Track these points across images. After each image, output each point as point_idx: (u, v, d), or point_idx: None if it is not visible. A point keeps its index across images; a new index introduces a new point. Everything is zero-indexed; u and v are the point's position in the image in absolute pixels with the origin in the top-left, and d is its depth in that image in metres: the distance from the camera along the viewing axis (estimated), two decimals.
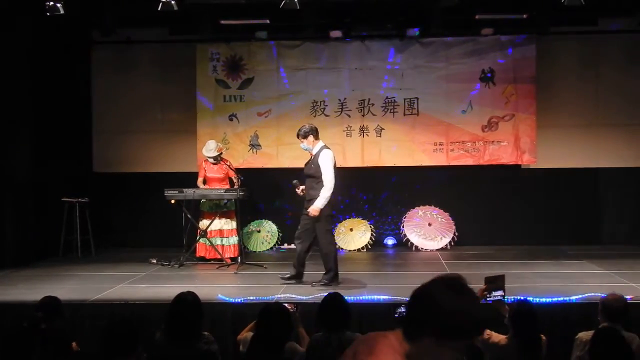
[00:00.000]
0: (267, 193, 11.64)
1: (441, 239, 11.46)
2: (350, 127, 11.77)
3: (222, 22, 11.18)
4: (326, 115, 11.78)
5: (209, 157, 10.30)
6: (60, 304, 5.57)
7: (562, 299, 7.15)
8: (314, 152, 8.34)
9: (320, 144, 8.39)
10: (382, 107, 11.75)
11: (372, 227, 11.61)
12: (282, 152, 11.65)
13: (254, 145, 11.87)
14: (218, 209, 10.27)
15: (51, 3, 9.58)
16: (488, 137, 11.64)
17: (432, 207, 11.62)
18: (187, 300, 4.74)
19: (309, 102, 11.80)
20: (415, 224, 11.56)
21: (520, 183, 11.73)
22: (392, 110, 11.75)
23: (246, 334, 5.12)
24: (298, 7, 9.67)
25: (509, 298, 6.10)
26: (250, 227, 11.57)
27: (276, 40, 11.80)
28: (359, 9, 11.13)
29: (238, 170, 10.19)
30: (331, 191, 8.17)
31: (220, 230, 10.25)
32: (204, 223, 10.25)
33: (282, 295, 7.56)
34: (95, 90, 12.15)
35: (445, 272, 8.59)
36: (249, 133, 11.86)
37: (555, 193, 11.69)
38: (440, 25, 10.94)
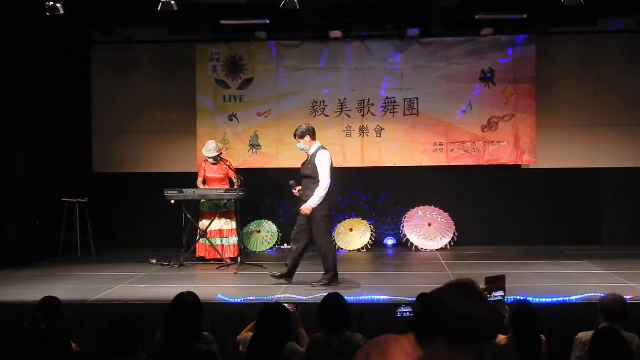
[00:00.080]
0: (266, 193, 11.65)
1: (441, 239, 11.46)
2: (350, 127, 11.78)
3: (222, 22, 11.17)
4: (326, 115, 11.78)
5: (209, 157, 10.30)
6: (59, 304, 5.57)
7: (561, 299, 7.15)
8: (310, 153, 8.33)
9: (316, 144, 8.38)
10: (382, 107, 11.75)
11: (372, 227, 11.62)
12: (281, 152, 11.65)
13: (254, 145, 11.87)
14: (218, 209, 10.26)
15: (51, 3, 9.58)
16: (488, 137, 11.64)
17: (432, 207, 11.62)
18: (187, 300, 4.74)
19: (308, 102, 11.80)
20: (414, 224, 11.56)
21: (519, 183, 11.74)
22: (391, 110, 11.75)
23: (246, 334, 5.12)
24: (298, 7, 9.66)
25: (509, 298, 6.11)
26: (250, 227, 11.57)
27: (276, 40, 11.80)
28: (358, 8, 11.14)
29: (238, 170, 10.19)
30: (326, 191, 8.16)
31: (220, 230, 10.25)
32: (203, 223, 10.25)
33: (281, 295, 7.56)
34: (95, 90, 12.15)
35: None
36: (248, 133, 11.86)
37: (554, 193, 11.70)
38: (440, 25, 10.95)
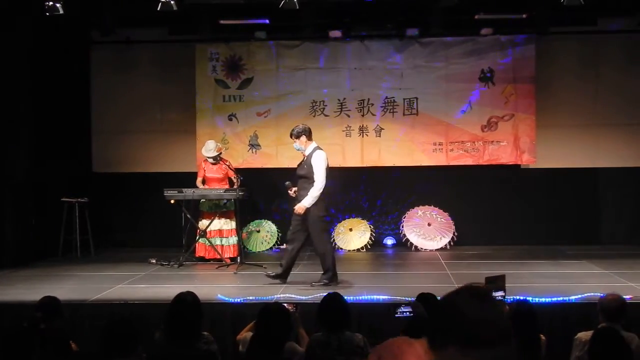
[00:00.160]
0: (266, 193, 11.63)
1: (441, 239, 11.46)
2: (350, 127, 11.77)
3: (222, 22, 11.18)
4: (325, 115, 11.78)
5: (209, 157, 10.30)
6: (59, 304, 5.57)
7: (561, 298, 7.15)
8: (306, 153, 8.33)
9: (313, 144, 8.37)
10: (382, 107, 11.75)
11: (372, 227, 11.61)
12: (281, 152, 11.64)
13: (254, 145, 11.87)
14: (217, 209, 10.26)
15: (50, 3, 9.57)
16: (487, 137, 11.64)
17: (432, 207, 11.62)
18: (187, 300, 4.74)
19: (308, 102, 11.79)
20: (414, 224, 11.55)
21: (519, 183, 11.73)
22: (391, 110, 11.75)
23: (246, 334, 5.12)
24: (297, 7, 9.66)
25: (509, 298, 6.11)
26: (250, 227, 11.57)
27: (275, 40, 11.80)
28: (358, 8, 11.14)
29: (237, 170, 10.19)
30: (320, 191, 8.16)
31: (220, 230, 10.25)
32: (203, 223, 10.25)
33: (281, 296, 7.56)
34: (95, 90, 12.15)
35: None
36: (248, 133, 11.86)
37: (554, 193, 11.69)
38: (440, 25, 10.96)
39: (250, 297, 7.41)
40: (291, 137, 8.43)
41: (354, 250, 11.40)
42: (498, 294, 5.36)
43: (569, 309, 6.94)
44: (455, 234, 11.46)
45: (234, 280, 8.88)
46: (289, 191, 8.48)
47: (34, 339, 4.34)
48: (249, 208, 11.01)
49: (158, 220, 11.45)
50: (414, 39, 11.61)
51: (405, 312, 5.11)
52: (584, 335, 5.07)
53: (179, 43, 11.92)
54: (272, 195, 11.66)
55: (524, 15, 11.01)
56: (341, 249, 11.40)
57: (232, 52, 11.84)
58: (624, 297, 5.51)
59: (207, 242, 10.17)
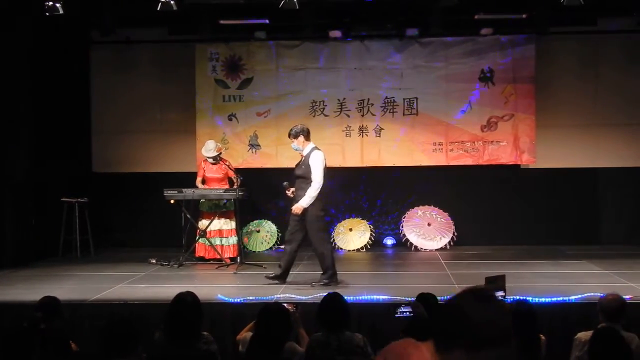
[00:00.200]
0: (266, 193, 11.62)
1: (440, 239, 11.46)
2: (350, 127, 11.78)
3: (221, 22, 11.18)
4: (325, 115, 11.79)
5: (209, 157, 10.30)
6: (59, 304, 5.57)
7: (561, 298, 7.15)
8: (304, 153, 8.34)
9: (310, 145, 8.38)
10: (382, 107, 11.75)
11: (372, 227, 11.61)
12: (281, 152, 11.63)
13: (253, 145, 11.87)
14: (217, 209, 10.26)
15: (50, 3, 9.57)
16: (487, 137, 11.64)
17: (432, 207, 11.62)
18: (187, 300, 4.74)
19: (308, 102, 11.80)
20: (414, 224, 11.56)
21: (519, 183, 11.74)
22: (391, 110, 11.75)
23: (245, 334, 5.12)
24: (297, 7, 9.66)
25: (509, 298, 6.11)
26: (250, 227, 11.57)
27: (275, 40, 11.80)
28: (358, 8, 11.14)
29: (237, 170, 10.19)
30: (318, 191, 8.16)
31: (220, 230, 10.25)
32: (203, 223, 10.25)
33: (281, 295, 7.56)
34: (95, 90, 12.15)
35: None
36: (248, 133, 11.86)
37: (554, 193, 11.69)
38: (440, 25, 10.96)
39: (250, 297, 7.41)
40: (289, 137, 8.44)
41: (354, 250, 11.40)
42: (498, 294, 5.36)
43: (568, 309, 6.94)
44: (455, 234, 11.47)
45: (234, 280, 8.88)
46: (287, 191, 8.49)
47: (34, 339, 4.34)
48: (249, 208, 11.01)
49: (158, 220, 11.45)
50: (414, 39, 11.62)
51: (405, 312, 5.11)
52: (584, 335, 5.07)
53: (179, 43, 11.92)
54: (272, 195, 11.65)
55: (524, 15, 11.01)
56: (341, 249, 11.41)
57: (232, 52, 11.84)
58: (624, 297, 5.51)
59: (207, 242, 10.17)
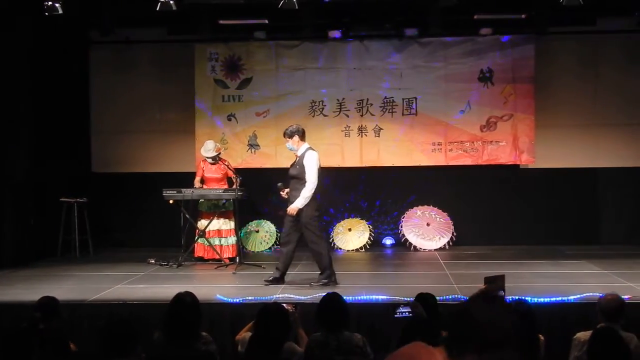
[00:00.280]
0: (265, 193, 11.61)
1: (440, 239, 11.46)
2: (349, 127, 11.77)
3: (221, 22, 11.19)
4: (325, 115, 11.78)
5: (208, 157, 10.29)
6: (58, 304, 5.57)
7: (560, 298, 7.15)
8: (298, 154, 8.35)
9: (305, 145, 8.38)
10: (381, 107, 11.75)
11: (371, 227, 11.61)
12: (280, 152, 11.61)
13: (253, 145, 11.87)
14: (216, 209, 10.26)
15: (49, 3, 9.57)
16: (486, 137, 11.64)
17: (431, 207, 11.62)
18: (186, 300, 4.73)
19: (307, 102, 11.79)
20: (413, 224, 11.55)
21: (518, 183, 11.74)
22: (390, 110, 11.75)
23: (244, 334, 5.12)
24: (297, 7, 9.66)
25: (508, 298, 6.11)
26: (249, 227, 11.57)
27: (275, 40, 11.80)
28: (357, 9, 11.15)
29: (236, 171, 10.18)
30: (312, 192, 8.16)
31: (219, 231, 10.25)
32: (202, 223, 10.25)
33: (280, 296, 7.56)
34: (94, 90, 12.14)
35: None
36: (247, 133, 11.86)
37: (553, 193, 11.69)
38: (439, 25, 10.95)
39: (249, 297, 7.40)
40: (284, 136, 8.46)
41: (353, 250, 11.40)
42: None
43: (567, 309, 6.94)
44: (454, 234, 11.47)
45: (233, 281, 8.88)
46: (281, 192, 8.51)
47: (33, 339, 4.34)
48: (248, 208, 11.00)
49: (157, 221, 11.45)
50: (413, 39, 11.62)
51: (405, 312, 5.11)
52: (583, 335, 5.07)
53: (178, 43, 11.92)
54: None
55: (523, 15, 11.03)
56: (340, 249, 11.41)
57: (231, 52, 11.84)
58: (623, 297, 5.50)
59: (206, 242, 10.17)
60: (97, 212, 11.25)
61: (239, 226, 10.34)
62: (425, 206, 11.63)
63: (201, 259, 10.22)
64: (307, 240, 8.26)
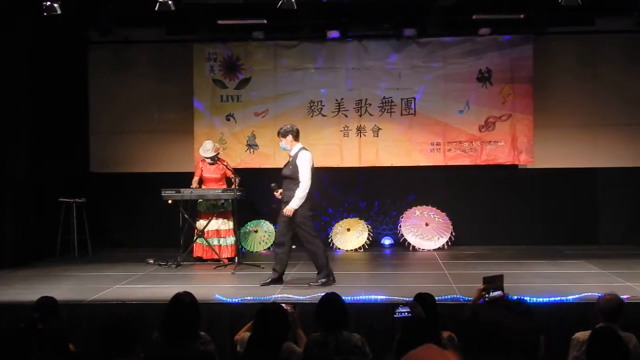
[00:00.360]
0: (264, 193, 11.59)
1: (438, 239, 11.46)
2: (348, 127, 11.77)
3: (219, 22, 11.18)
4: (323, 116, 11.78)
5: (206, 158, 10.29)
6: (57, 304, 5.57)
7: (559, 298, 7.15)
8: (292, 153, 8.36)
9: (298, 145, 8.39)
10: (380, 107, 11.75)
11: (369, 227, 11.61)
12: (279, 152, 11.49)
13: (251, 145, 11.86)
14: (215, 209, 10.26)
15: (48, 3, 9.57)
16: (485, 137, 11.64)
17: (429, 207, 11.62)
18: (184, 300, 4.74)
19: (306, 102, 11.79)
20: (412, 224, 11.56)
21: (517, 183, 11.74)
22: (389, 110, 11.75)
23: (243, 334, 5.12)
24: (295, 7, 9.65)
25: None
26: (248, 227, 11.56)
27: (273, 40, 11.79)
28: (356, 9, 11.14)
29: (235, 171, 10.17)
30: (306, 191, 8.17)
31: (217, 231, 10.25)
32: (201, 223, 10.25)
33: (279, 296, 7.56)
34: (92, 90, 12.14)
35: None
36: (246, 133, 11.86)
37: (552, 193, 11.70)
38: (438, 25, 10.96)
39: (248, 297, 7.40)
40: (278, 135, 8.48)
41: (352, 250, 11.40)
42: (496, 294, 5.35)
43: (566, 308, 6.94)
44: (453, 234, 11.47)
45: (232, 281, 8.88)
46: (275, 193, 8.51)
47: (32, 339, 4.33)
48: (247, 208, 11.00)
49: (156, 221, 11.45)
50: (412, 39, 11.62)
51: (404, 312, 5.11)
52: (582, 335, 5.07)
53: (177, 43, 11.92)
54: (270, 195, 11.63)
55: (522, 16, 11.03)
56: (339, 249, 11.41)
57: (229, 52, 11.84)
58: (622, 297, 5.50)
59: (204, 242, 10.17)
60: (95, 212, 11.25)
61: (238, 226, 10.33)
62: (424, 206, 11.64)
63: (200, 259, 10.23)
64: (302, 240, 8.27)
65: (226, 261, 9.97)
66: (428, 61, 11.68)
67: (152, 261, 10.00)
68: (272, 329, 4.49)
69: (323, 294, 5.38)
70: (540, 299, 7.06)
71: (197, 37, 11.47)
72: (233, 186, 9.88)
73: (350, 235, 11.54)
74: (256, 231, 11.60)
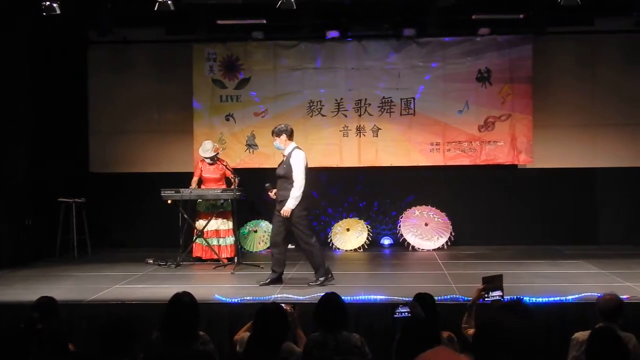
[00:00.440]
0: (263, 193, 11.60)
1: (438, 239, 11.46)
2: (347, 127, 11.77)
3: (219, 22, 11.18)
4: (323, 115, 11.78)
5: (206, 158, 10.29)
6: (56, 304, 5.56)
7: (558, 298, 7.15)
8: (285, 153, 8.38)
9: (292, 144, 8.40)
10: (379, 107, 11.75)
11: (369, 227, 11.61)
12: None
13: (251, 145, 11.86)
14: (214, 209, 10.25)
15: (47, 3, 9.57)
16: (484, 137, 11.64)
17: (429, 207, 11.62)
18: (184, 300, 4.74)
19: (305, 102, 11.79)
20: (411, 224, 11.56)
21: (516, 183, 11.74)
22: (388, 110, 11.75)
23: (243, 334, 5.12)
24: (295, 7, 9.65)
25: (506, 298, 6.11)
26: (247, 227, 11.56)
27: (273, 41, 11.79)
28: (355, 9, 11.13)
29: (235, 171, 10.17)
30: (301, 190, 8.18)
31: (217, 231, 10.25)
32: (200, 223, 10.25)
33: (278, 296, 7.56)
34: (92, 90, 12.14)
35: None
36: (245, 133, 11.86)
37: (551, 193, 11.70)
38: (437, 26, 10.96)
39: (248, 297, 7.40)
40: (272, 134, 8.49)
41: (351, 250, 11.40)
42: (496, 294, 5.35)
43: (566, 308, 6.94)
44: (453, 234, 11.47)
45: (231, 281, 8.87)
46: (269, 193, 8.52)
47: (31, 339, 4.33)
48: (246, 208, 11.00)
49: (155, 221, 11.44)
50: (411, 39, 11.62)
51: (404, 312, 5.11)
52: (581, 335, 5.07)
53: (176, 43, 11.92)
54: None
55: (521, 16, 11.03)
56: (338, 249, 11.41)
57: (229, 52, 11.84)
58: (621, 296, 5.50)
59: (204, 242, 10.17)
60: (95, 212, 11.24)
61: (237, 226, 10.33)
62: (424, 206, 11.64)
63: (199, 259, 10.22)
64: (298, 239, 8.29)
65: (225, 261, 9.97)
66: (427, 61, 11.69)
67: (151, 261, 10.00)
68: (272, 329, 4.49)
69: (322, 294, 5.38)
70: (540, 299, 7.05)
71: (196, 37, 11.47)
72: (232, 186, 9.88)
73: (349, 235, 11.54)
74: (256, 231, 11.60)
